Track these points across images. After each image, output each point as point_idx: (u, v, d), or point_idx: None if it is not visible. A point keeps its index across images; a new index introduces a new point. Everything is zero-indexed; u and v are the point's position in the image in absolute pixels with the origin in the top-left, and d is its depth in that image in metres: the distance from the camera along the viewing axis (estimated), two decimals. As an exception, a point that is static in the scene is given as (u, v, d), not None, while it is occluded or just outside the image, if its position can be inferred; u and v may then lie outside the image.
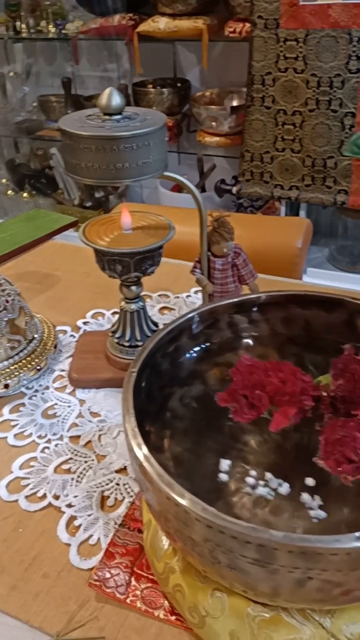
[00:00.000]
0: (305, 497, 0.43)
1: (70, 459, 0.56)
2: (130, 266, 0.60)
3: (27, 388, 0.66)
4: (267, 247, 1.04)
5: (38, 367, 0.66)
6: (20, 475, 0.55)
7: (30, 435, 0.59)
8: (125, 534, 0.48)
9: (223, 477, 0.45)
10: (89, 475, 0.54)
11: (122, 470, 0.55)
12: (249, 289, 0.64)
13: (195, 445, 0.47)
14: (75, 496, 0.52)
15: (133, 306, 0.65)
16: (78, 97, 2.18)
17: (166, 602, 0.43)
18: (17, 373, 0.64)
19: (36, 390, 0.66)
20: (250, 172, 1.81)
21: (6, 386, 0.63)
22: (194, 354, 0.52)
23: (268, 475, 0.45)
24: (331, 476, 0.44)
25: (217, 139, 1.94)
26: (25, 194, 2.44)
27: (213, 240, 0.62)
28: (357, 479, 0.43)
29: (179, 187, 2.09)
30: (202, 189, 2.12)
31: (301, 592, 0.33)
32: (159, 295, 0.84)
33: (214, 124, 1.91)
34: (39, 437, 0.59)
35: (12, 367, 0.65)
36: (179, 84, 2.07)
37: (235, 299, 0.52)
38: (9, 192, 2.47)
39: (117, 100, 0.53)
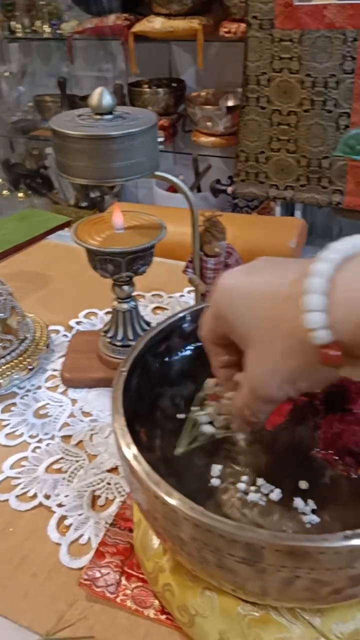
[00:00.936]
0: (298, 502, 0.42)
1: (62, 458, 0.56)
2: (121, 266, 0.60)
3: (19, 388, 0.66)
4: (260, 248, 1.04)
5: (30, 367, 0.66)
6: (11, 475, 0.54)
7: (21, 435, 0.59)
8: (116, 533, 0.48)
9: (215, 482, 0.44)
10: (80, 474, 0.54)
11: (114, 469, 0.55)
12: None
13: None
14: (66, 496, 0.52)
15: (125, 306, 0.65)
16: (73, 97, 2.18)
17: (156, 601, 0.43)
18: (8, 373, 0.64)
19: (28, 390, 0.66)
20: (245, 172, 1.81)
21: (-2, 386, 0.63)
22: (185, 354, 0.52)
23: (260, 481, 0.44)
24: (325, 477, 0.43)
25: (212, 139, 1.95)
26: (20, 194, 2.44)
27: (205, 240, 0.62)
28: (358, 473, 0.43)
29: (174, 188, 2.09)
30: (198, 189, 2.12)
31: (289, 591, 0.33)
32: (153, 295, 0.84)
33: (209, 124, 1.91)
34: (30, 436, 0.59)
35: (3, 367, 0.65)
36: (174, 84, 2.07)
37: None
38: (5, 192, 2.46)
39: (107, 99, 0.52)
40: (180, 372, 0.51)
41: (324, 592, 0.32)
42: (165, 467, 0.44)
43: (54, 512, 0.51)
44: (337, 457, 0.44)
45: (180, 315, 0.50)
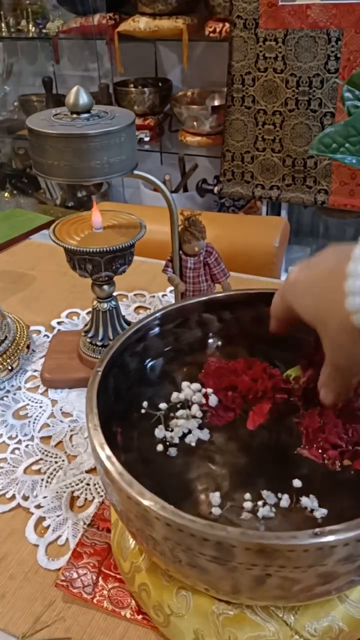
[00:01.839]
0: (305, 501, 0.41)
1: (41, 459, 0.56)
2: (101, 265, 0.60)
3: (-1, 389, 0.65)
4: (244, 247, 1.04)
5: (10, 368, 0.65)
6: (-10, 477, 0.54)
7: (0, 436, 0.59)
8: (94, 533, 0.48)
9: (216, 510, 0.41)
10: (59, 475, 0.54)
11: (93, 470, 0.54)
12: (222, 287, 0.65)
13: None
14: (45, 497, 0.52)
15: (105, 305, 0.65)
16: (59, 97, 2.17)
17: (133, 601, 0.43)
18: (-12, 373, 0.64)
19: (8, 391, 0.65)
20: (231, 171, 1.81)
21: (-23, 387, 0.63)
22: (163, 354, 0.51)
23: (265, 493, 0.42)
24: (316, 472, 0.43)
25: (198, 138, 1.95)
26: (6, 194, 2.43)
27: (184, 239, 0.62)
28: (345, 464, 0.43)
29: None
30: (184, 189, 2.12)
31: (261, 589, 0.33)
32: (135, 295, 0.84)
33: (195, 123, 1.91)
34: (9, 438, 0.59)
35: (-17, 368, 0.64)
36: (160, 84, 2.07)
37: (204, 298, 0.52)
38: (-10, 192, 2.45)
39: (84, 98, 0.52)
40: (158, 371, 0.51)
41: (295, 590, 0.32)
42: (144, 468, 0.44)
43: (32, 514, 0.50)
44: (320, 451, 0.44)
45: (157, 314, 0.49)
